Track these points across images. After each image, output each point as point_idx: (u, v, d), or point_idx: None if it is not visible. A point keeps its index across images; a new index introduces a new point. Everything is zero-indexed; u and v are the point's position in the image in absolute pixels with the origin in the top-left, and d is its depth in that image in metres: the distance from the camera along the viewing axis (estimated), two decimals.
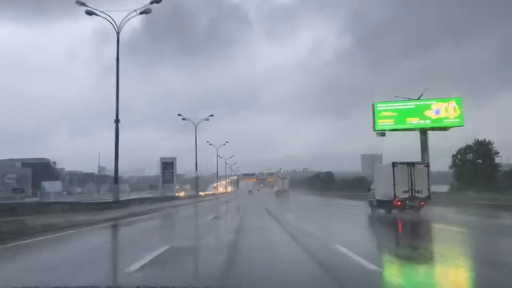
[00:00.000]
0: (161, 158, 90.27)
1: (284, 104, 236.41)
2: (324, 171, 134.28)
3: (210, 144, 73.18)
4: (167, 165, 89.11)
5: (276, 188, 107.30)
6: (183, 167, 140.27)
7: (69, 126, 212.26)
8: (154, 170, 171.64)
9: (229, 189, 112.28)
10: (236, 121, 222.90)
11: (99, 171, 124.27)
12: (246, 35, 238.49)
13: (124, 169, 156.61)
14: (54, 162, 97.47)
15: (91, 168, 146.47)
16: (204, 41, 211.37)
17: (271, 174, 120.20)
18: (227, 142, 76.23)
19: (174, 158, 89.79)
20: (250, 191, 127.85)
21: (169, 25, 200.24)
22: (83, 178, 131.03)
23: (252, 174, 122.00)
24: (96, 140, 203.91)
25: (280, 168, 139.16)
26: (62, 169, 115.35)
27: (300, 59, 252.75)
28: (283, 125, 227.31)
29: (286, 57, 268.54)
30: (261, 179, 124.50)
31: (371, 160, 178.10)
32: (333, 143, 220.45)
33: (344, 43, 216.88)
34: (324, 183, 78.66)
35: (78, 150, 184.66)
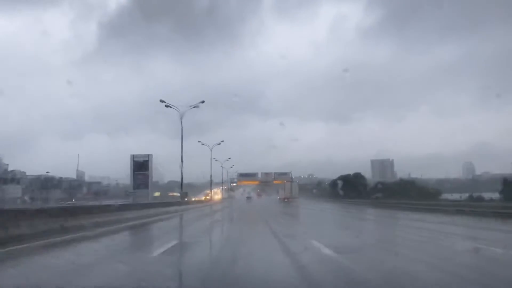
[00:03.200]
0: (133, 156, 69.59)
1: (288, 104, 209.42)
2: (332, 177, 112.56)
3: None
4: (140, 165, 68.65)
5: (281, 195, 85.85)
6: (178, 174, 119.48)
7: (46, 126, 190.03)
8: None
9: (218, 196, 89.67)
10: (236, 122, 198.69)
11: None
12: (252, 12, 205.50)
13: (114, 176, 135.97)
14: None
15: (69, 173, 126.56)
16: (202, 22, 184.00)
17: (282, 174, 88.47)
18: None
19: (149, 156, 69.21)
20: (248, 198, 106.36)
21: (161, 2, 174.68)
22: (52, 184, 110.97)
23: (253, 175, 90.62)
24: (76, 143, 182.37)
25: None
26: (19, 172, 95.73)
27: (314, 44, 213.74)
28: (287, 127, 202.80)
29: (297, 41, 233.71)
30: (266, 181, 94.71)
31: (382, 165, 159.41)
32: (340, 148, 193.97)
33: (369, 21, 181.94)
34: (347, 189, 57.78)
35: (56, 153, 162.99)
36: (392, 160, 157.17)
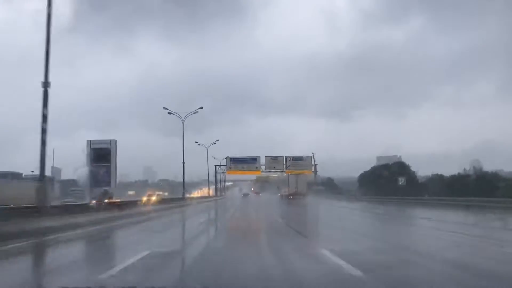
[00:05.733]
0: (90, 142, 52.41)
1: (290, 96, 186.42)
2: (335, 175, 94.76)
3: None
4: (100, 155, 51.71)
5: (284, 191, 68.48)
6: (171, 172, 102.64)
7: (24, 118, 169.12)
8: (139, 175, 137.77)
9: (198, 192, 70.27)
10: (232, 114, 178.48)
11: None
12: None
13: None
14: None
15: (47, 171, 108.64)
16: None
17: (298, 160, 61.56)
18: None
19: (112, 142, 52.25)
20: (245, 195, 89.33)
21: None
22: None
23: (252, 161, 61.64)
24: (57, 139, 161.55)
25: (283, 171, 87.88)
26: None
27: (327, 18, 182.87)
28: (287, 122, 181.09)
29: (307, 15, 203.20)
30: (273, 169, 63.13)
31: (389, 162, 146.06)
32: (343, 146, 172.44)
33: None
34: (383, 184, 41.45)
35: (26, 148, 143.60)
36: (400, 157, 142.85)
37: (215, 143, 61.34)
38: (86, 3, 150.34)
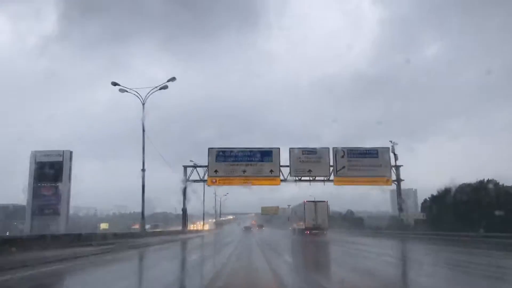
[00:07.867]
0: (34, 154, 38.24)
1: (292, 129, 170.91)
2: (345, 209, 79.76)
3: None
4: (48, 171, 37.55)
5: (299, 224, 51.83)
6: (172, 205, 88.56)
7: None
8: (138, 207, 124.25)
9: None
10: (233, 141, 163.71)
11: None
12: None
13: (101, 206, 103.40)
14: None
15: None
16: None
17: (363, 155, 34.34)
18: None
19: (65, 154, 37.98)
20: (247, 229, 74.26)
21: None
22: None
23: (263, 157, 33.77)
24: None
25: (289, 205, 66.04)
26: None
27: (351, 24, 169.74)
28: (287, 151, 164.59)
29: (327, 25, 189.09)
30: (305, 174, 33.89)
31: (404, 196, 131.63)
32: None
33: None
34: (465, 217, 26.32)
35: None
36: (415, 190, 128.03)
37: (166, 87, 29.09)
38: (75, 8, 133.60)
